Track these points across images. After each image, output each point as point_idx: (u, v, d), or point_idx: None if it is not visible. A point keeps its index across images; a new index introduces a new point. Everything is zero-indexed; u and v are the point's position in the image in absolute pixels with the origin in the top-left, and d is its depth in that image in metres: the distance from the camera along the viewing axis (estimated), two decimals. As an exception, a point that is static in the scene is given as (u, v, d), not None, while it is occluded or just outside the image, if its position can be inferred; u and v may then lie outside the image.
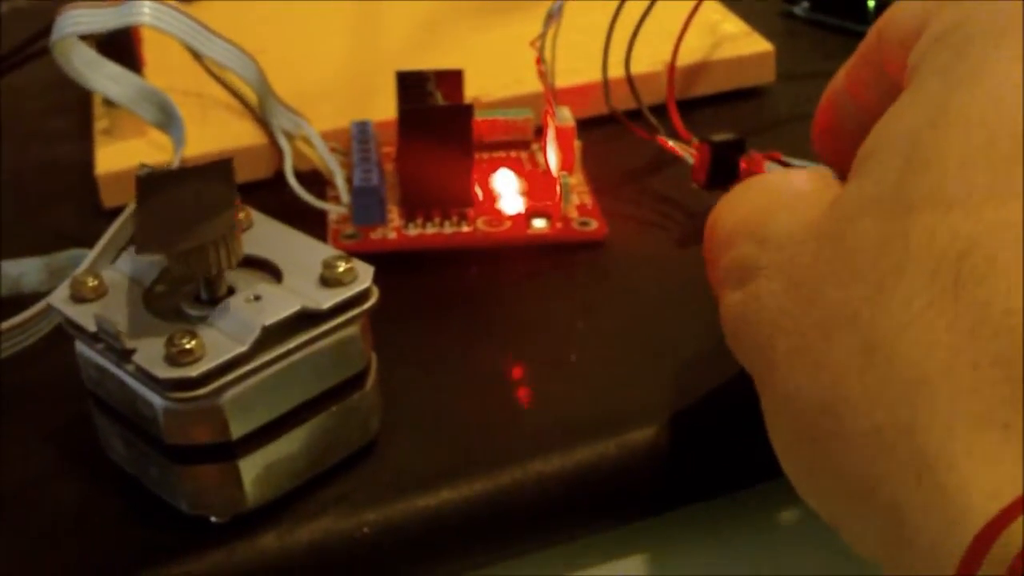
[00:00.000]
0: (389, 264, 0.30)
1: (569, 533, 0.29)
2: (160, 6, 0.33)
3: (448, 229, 0.34)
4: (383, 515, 0.27)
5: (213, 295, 0.26)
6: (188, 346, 0.24)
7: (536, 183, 0.36)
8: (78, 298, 0.27)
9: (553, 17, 0.35)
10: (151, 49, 0.41)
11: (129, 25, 0.33)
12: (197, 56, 0.37)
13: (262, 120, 0.37)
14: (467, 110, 0.34)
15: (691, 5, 0.37)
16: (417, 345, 0.31)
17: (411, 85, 0.35)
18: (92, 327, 0.26)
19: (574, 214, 0.35)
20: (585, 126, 0.37)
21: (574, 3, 0.35)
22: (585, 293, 0.33)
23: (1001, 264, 0.19)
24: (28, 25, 0.40)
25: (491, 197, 0.36)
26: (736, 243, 0.25)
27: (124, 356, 0.25)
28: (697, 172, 0.34)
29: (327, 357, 0.26)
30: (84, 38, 0.34)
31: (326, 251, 0.27)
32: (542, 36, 0.35)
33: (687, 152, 0.35)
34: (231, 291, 0.26)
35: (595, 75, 0.37)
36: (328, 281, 0.26)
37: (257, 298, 0.26)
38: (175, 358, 0.24)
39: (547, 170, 0.36)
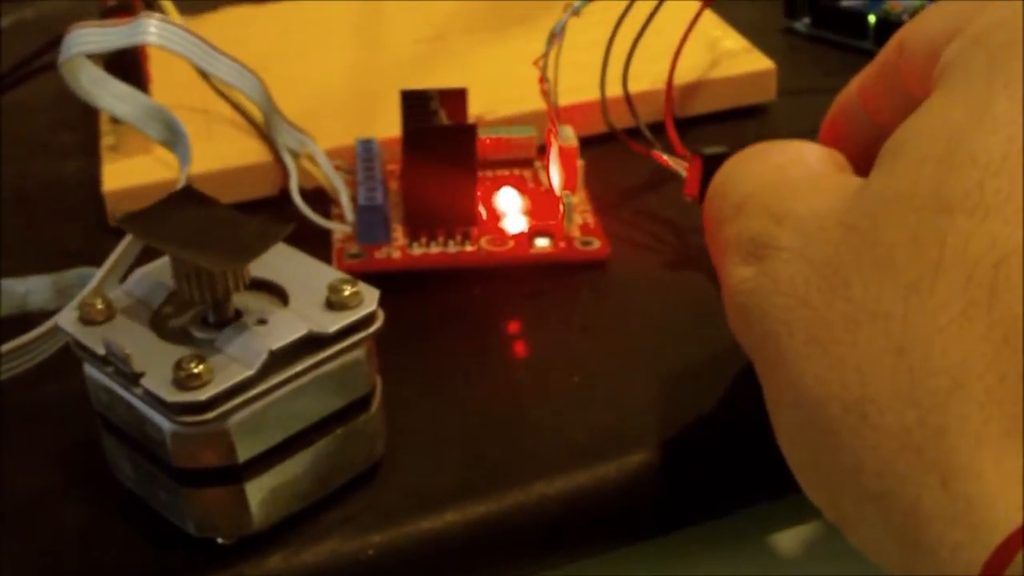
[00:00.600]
0: (393, 283, 0.30)
1: (572, 554, 0.29)
2: (166, 25, 0.33)
3: (452, 248, 0.35)
4: (388, 537, 0.27)
5: (220, 318, 0.26)
6: (196, 370, 0.25)
7: (539, 202, 0.36)
8: (87, 320, 0.27)
9: (556, 37, 0.35)
10: (157, 65, 0.41)
11: (136, 44, 0.34)
12: (203, 74, 0.37)
13: (267, 138, 0.38)
14: (471, 130, 0.34)
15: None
16: (419, 364, 0.32)
17: (415, 104, 0.36)
18: (101, 350, 0.26)
19: (577, 233, 0.35)
20: (588, 144, 0.37)
21: (577, 21, 0.35)
22: (588, 313, 0.34)
23: None
24: (32, 37, 0.40)
25: (494, 216, 0.36)
26: (749, 213, 0.24)
27: (133, 380, 0.25)
28: (689, 185, 0.34)
29: (333, 380, 0.26)
30: (91, 56, 0.34)
31: (332, 274, 0.27)
32: (545, 55, 0.35)
33: (680, 166, 0.35)
34: (238, 314, 0.27)
35: (598, 93, 0.37)
36: (334, 304, 0.26)
37: (264, 322, 0.26)
38: (183, 382, 0.25)
39: (550, 189, 0.37)
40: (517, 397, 0.31)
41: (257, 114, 0.38)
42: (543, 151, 0.38)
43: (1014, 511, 0.18)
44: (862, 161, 0.24)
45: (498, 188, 0.37)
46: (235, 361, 0.25)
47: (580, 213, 0.36)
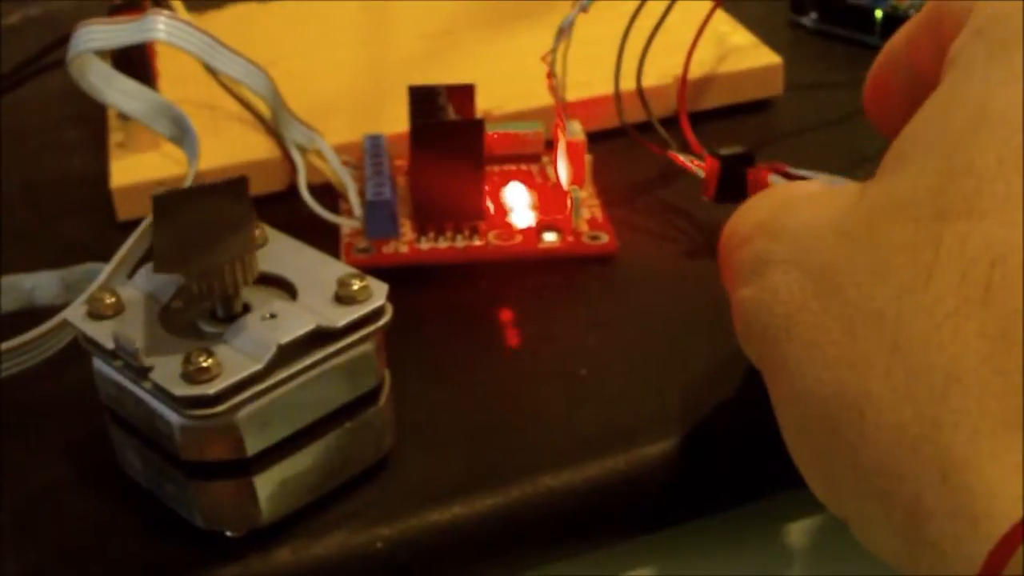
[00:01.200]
0: (401, 277, 0.30)
1: (580, 547, 0.29)
2: (174, 22, 0.34)
3: (460, 243, 0.35)
4: (396, 530, 0.27)
5: (229, 312, 0.26)
6: (205, 364, 0.25)
7: (547, 197, 0.36)
8: (95, 315, 0.27)
9: (564, 32, 0.35)
10: (165, 62, 0.41)
11: (144, 41, 0.34)
12: (211, 70, 0.37)
13: (275, 134, 0.38)
14: (478, 125, 0.34)
15: (700, 17, 0.37)
16: (428, 358, 0.32)
17: (423, 99, 0.36)
18: (110, 344, 0.26)
19: (585, 228, 0.35)
20: (595, 139, 0.37)
21: (585, 16, 0.35)
22: (595, 307, 0.34)
23: None
24: (40, 34, 0.40)
25: (502, 210, 0.36)
26: (752, 240, 0.25)
27: (141, 373, 0.25)
28: (707, 186, 0.34)
29: (341, 374, 0.27)
30: (99, 52, 0.34)
31: (341, 268, 0.27)
32: (553, 51, 0.35)
33: (697, 166, 0.35)
34: (247, 308, 0.27)
35: (605, 88, 0.38)
36: (343, 299, 0.27)
37: (272, 316, 0.26)
38: (192, 376, 0.25)
39: (558, 183, 0.37)
40: (524, 391, 0.31)
41: (265, 110, 0.38)
42: (551, 146, 0.38)
43: (1014, 504, 0.18)
44: (905, 113, 0.24)
45: (506, 183, 0.37)
46: (244, 355, 0.25)
47: (588, 207, 0.36)
